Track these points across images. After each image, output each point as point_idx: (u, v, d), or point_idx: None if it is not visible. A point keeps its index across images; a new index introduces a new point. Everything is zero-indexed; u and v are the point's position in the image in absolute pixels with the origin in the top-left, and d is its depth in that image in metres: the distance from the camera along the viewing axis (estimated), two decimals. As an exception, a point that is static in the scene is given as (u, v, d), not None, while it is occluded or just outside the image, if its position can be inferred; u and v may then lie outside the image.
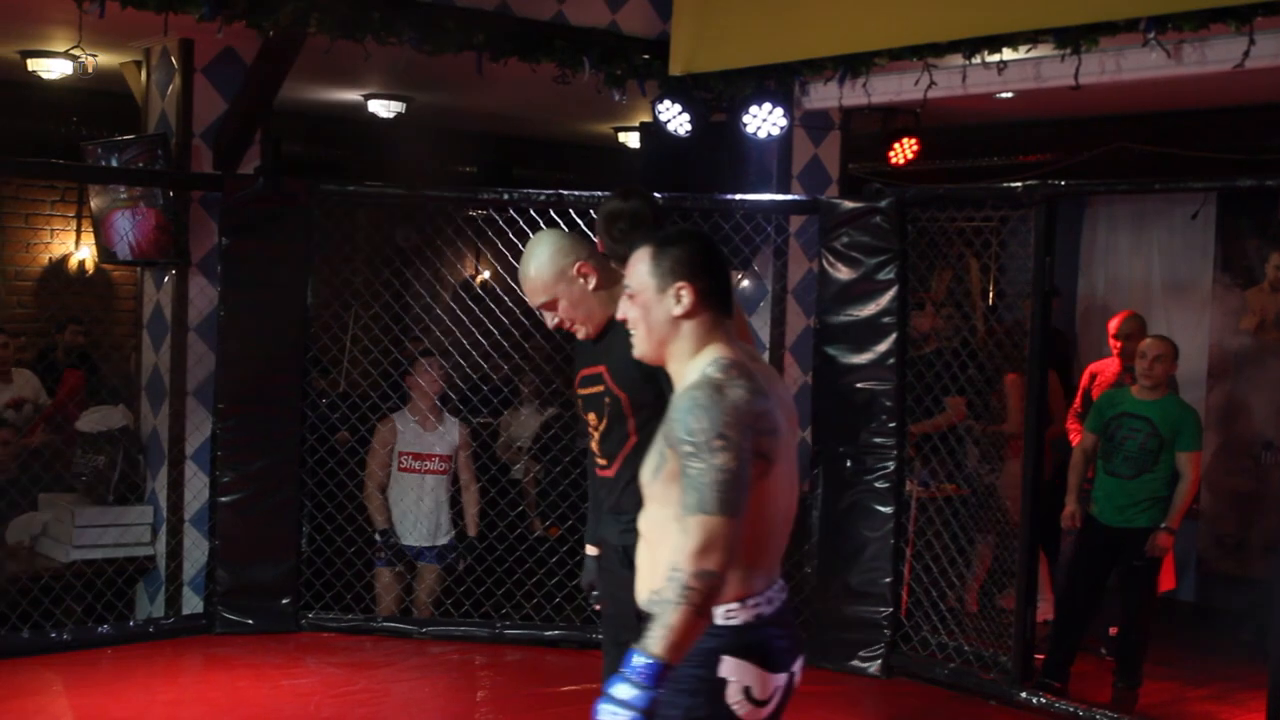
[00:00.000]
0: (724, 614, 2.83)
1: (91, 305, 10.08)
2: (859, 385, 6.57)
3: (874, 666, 6.47)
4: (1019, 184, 6.29)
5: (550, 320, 3.87)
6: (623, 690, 2.66)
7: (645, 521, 3.01)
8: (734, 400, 2.76)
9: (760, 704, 2.86)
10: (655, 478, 2.88)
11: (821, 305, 6.76)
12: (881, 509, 6.50)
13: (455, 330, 7.11)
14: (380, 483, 7.07)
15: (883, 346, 6.51)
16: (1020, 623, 6.16)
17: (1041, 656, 6.34)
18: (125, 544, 6.87)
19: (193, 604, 6.86)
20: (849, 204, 6.70)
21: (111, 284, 10.42)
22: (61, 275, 10.31)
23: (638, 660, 2.67)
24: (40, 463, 7.09)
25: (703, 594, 2.68)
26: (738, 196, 7.00)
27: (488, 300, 7.14)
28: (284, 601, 6.82)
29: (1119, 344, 7.03)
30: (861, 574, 6.52)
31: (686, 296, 2.91)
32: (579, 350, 3.97)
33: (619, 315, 3.08)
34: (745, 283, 8.16)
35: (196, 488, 6.87)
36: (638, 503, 3.64)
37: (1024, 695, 6.06)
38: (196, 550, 6.86)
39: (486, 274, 11.02)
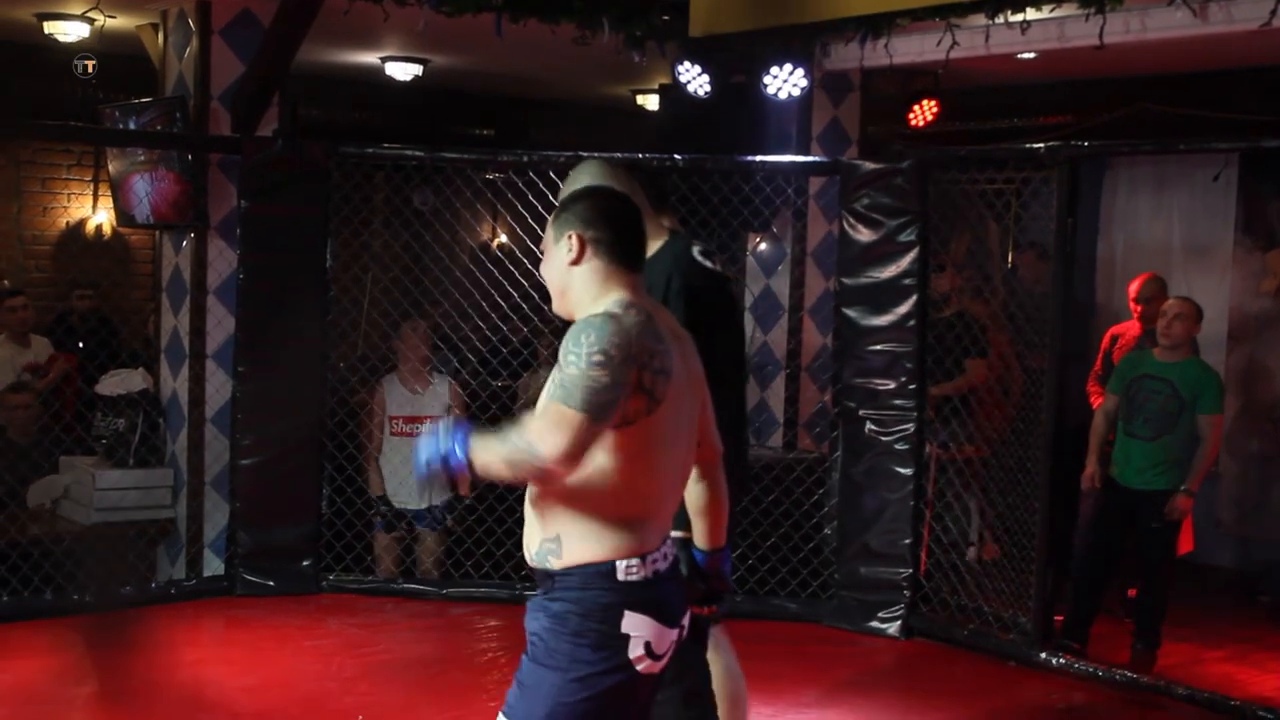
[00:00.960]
0: (624, 570, 2.87)
1: (110, 269, 10.09)
2: (879, 347, 6.55)
3: (893, 627, 6.47)
4: (1041, 145, 6.24)
5: None
6: (442, 444, 2.83)
7: None
8: (625, 327, 2.84)
9: (658, 658, 2.92)
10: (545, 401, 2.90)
11: (842, 267, 6.74)
12: (901, 470, 6.49)
13: (475, 293, 7.10)
14: (376, 448, 7.08)
15: (903, 308, 6.49)
16: (1040, 584, 6.16)
17: (1060, 618, 6.34)
18: (146, 506, 6.89)
19: (214, 566, 6.88)
20: (870, 165, 6.67)
21: (129, 248, 10.42)
22: (79, 239, 10.30)
23: (460, 443, 2.82)
24: (61, 425, 7.10)
25: (524, 465, 2.80)
26: (757, 158, 6.96)
27: (506, 263, 7.13)
28: (305, 563, 6.84)
29: (1139, 307, 6.99)
30: (881, 535, 6.52)
31: (575, 244, 2.99)
32: None
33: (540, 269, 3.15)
34: (763, 245, 8.14)
35: (217, 450, 6.88)
36: None
37: (1043, 656, 6.06)
38: (217, 512, 6.87)
39: (504, 237, 10.98)
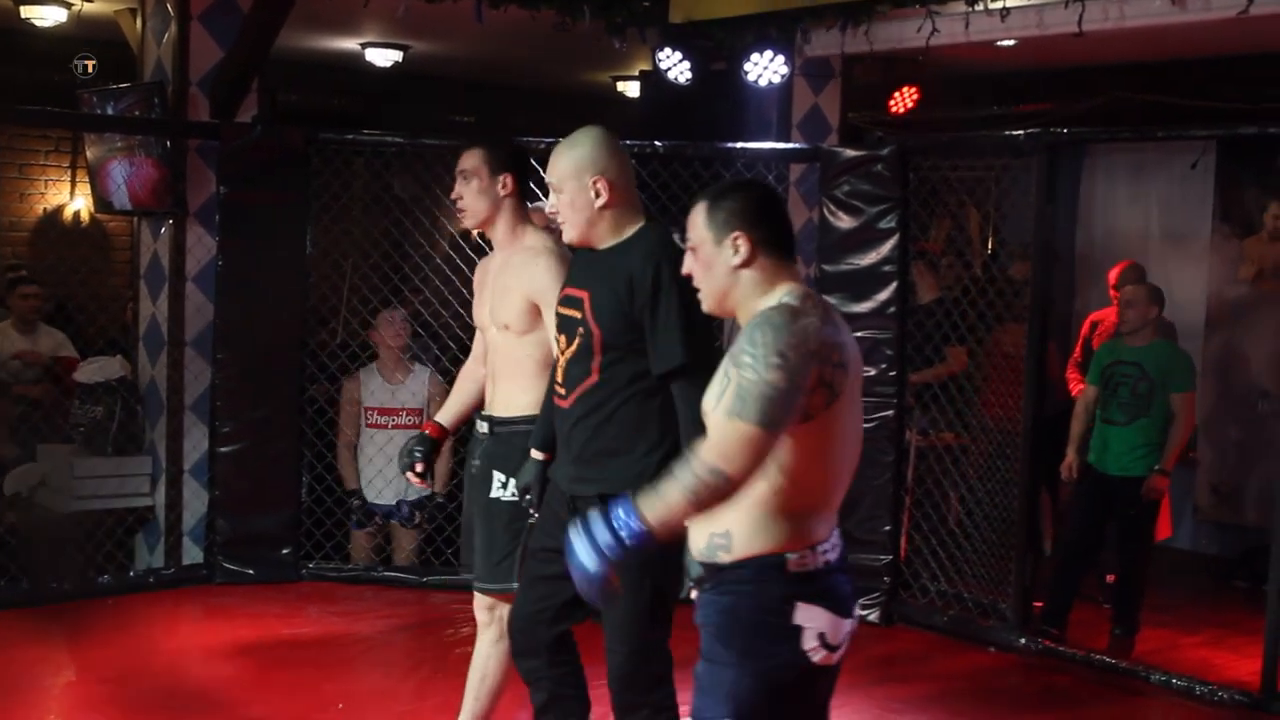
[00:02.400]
0: (795, 561, 2.80)
1: (87, 256, 10.00)
2: (859, 334, 6.48)
3: (874, 614, 6.48)
4: (1020, 132, 6.23)
5: (548, 204, 3.85)
6: (602, 533, 2.70)
7: None
8: (804, 324, 2.74)
9: (833, 649, 2.84)
10: (717, 405, 2.79)
11: (822, 254, 6.72)
12: (881, 457, 6.48)
13: (455, 280, 7.06)
14: (350, 441, 7.05)
15: (883, 295, 6.48)
16: (1019, 570, 6.16)
17: (1040, 604, 6.35)
18: (124, 494, 6.83)
19: (193, 554, 6.83)
20: (850, 152, 6.66)
21: (106, 234, 10.34)
22: (56, 226, 10.22)
23: (625, 513, 2.69)
24: (39, 414, 7.05)
25: (710, 490, 2.69)
26: (738, 145, 6.94)
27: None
28: (284, 551, 6.81)
29: (1118, 294, 6.99)
30: (860, 522, 6.51)
31: (743, 246, 2.87)
32: (574, 263, 3.87)
33: (683, 270, 2.99)
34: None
35: (195, 438, 6.83)
36: (586, 442, 3.65)
37: (1023, 641, 6.07)
38: (196, 500, 6.83)
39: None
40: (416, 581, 6.83)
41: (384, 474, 6.97)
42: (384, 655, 5.86)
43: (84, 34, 7.78)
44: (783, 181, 7.59)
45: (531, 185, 4.66)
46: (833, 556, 2.87)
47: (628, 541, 2.69)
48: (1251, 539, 7.81)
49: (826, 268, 6.66)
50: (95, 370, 6.99)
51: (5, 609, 6.08)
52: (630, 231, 3.67)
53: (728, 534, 2.82)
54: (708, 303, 2.97)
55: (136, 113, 6.83)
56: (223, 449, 6.73)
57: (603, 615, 3.68)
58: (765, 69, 6.95)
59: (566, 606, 3.74)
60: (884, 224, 6.49)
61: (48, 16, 7.76)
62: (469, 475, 4.28)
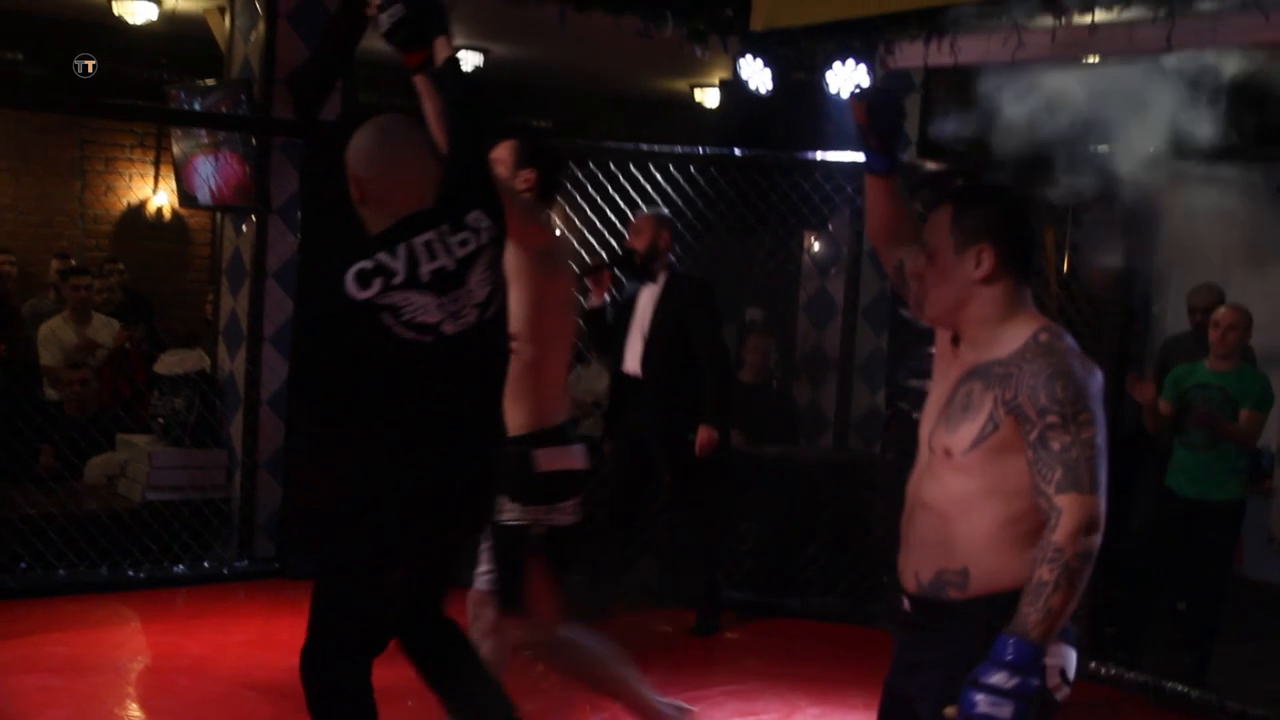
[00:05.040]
0: None
1: (169, 250, 10.14)
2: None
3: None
4: (1105, 147, 6.14)
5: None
6: (1001, 679, 2.48)
7: (941, 491, 2.73)
8: (1095, 372, 2.61)
9: (1070, 683, 2.69)
10: (975, 447, 2.64)
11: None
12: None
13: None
14: None
15: (960, 311, 6.40)
16: (1090, 594, 6.07)
17: (1112, 629, 6.25)
18: (200, 486, 6.90)
19: (264, 548, 6.89)
20: (930, 165, 6.59)
21: (187, 229, 10.47)
22: (140, 220, 10.36)
23: (1009, 646, 2.50)
24: (120, 404, 7.13)
25: (1083, 575, 2.53)
26: (817, 155, 6.89)
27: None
28: (355, 547, 6.83)
29: (1196, 316, 6.88)
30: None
31: (987, 259, 2.69)
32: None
33: (911, 270, 2.82)
34: (816, 245, 8.07)
35: (272, 433, 6.88)
36: None
37: (1093, 665, 5.98)
38: (270, 494, 6.88)
39: (560, 228, 10.98)
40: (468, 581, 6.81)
41: None
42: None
43: (173, 30, 7.88)
44: (859, 193, 7.53)
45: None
46: None
47: (1030, 670, 2.49)
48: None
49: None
50: (175, 363, 7.07)
51: (84, 593, 6.16)
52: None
53: (964, 571, 2.65)
54: (933, 311, 2.79)
55: (223, 109, 6.90)
56: (298, 444, 6.77)
57: None
58: (847, 79, 6.90)
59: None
60: (963, 239, 6.41)
61: (138, 13, 7.87)
62: None
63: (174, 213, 10.22)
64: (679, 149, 6.89)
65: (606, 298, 6.11)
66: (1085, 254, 7.96)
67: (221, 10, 7.28)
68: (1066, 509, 2.53)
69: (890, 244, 3.07)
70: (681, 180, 6.85)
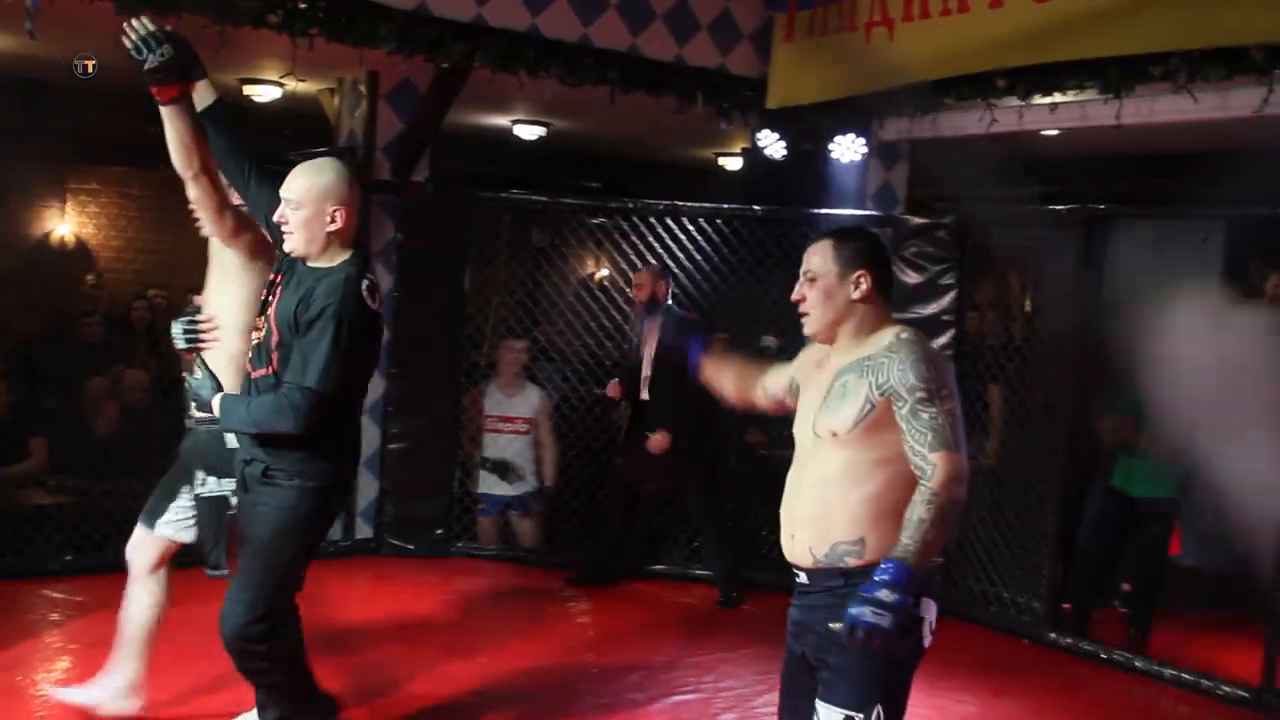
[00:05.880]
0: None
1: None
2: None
3: (925, 607, 6.38)
4: (1063, 207, 6.17)
5: (279, 212, 3.49)
6: (883, 594, 2.49)
7: (826, 467, 2.77)
8: (946, 358, 2.75)
9: (933, 632, 2.76)
10: (857, 425, 2.70)
11: (891, 305, 6.66)
12: (935, 476, 6.40)
13: (584, 315, 7.14)
14: (472, 437, 7.12)
15: (942, 339, 6.43)
16: (1050, 576, 6.07)
17: (1067, 606, 6.22)
18: (312, 480, 6.97)
19: (364, 531, 6.95)
20: (918, 220, 6.62)
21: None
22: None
23: (888, 568, 2.52)
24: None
25: (953, 518, 2.61)
26: (823, 211, 6.94)
27: (611, 291, 7.16)
28: (438, 532, 6.90)
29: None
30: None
31: (865, 283, 2.80)
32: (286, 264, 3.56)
33: (794, 296, 2.87)
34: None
35: (370, 437, 6.93)
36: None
37: (1052, 636, 5.97)
38: (368, 487, 6.94)
39: (605, 272, 11.04)
40: (549, 562, 6.86)
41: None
42: (521, 617, 5.92)
43: (292, 107, 7.97)
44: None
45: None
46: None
47: (904, 588, 2.50)
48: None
49: (895, 316, 6.59)
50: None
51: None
52: (339, 259, 3.49)
53: (860, 540, 2.69)
54: (813, 327, 2.85)
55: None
56: (391, 446, 6.85)
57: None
58: (847, 149, 6.94)
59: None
60: (944, 280, 6.45)
61: (264, 94, 7.97)
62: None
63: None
64: (707, 205, 6.95)
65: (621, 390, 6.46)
66: (1045, 292, 7.96)
67: (332, 91, 7.39)
68: (939, 463, 2.61)
69: (747, 396, 3.28)
70: (710, 232, 6.90)
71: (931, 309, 6.45)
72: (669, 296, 6.45)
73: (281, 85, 7.68)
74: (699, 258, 6.84)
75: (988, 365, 6.62)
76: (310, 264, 3.49)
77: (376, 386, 6.92)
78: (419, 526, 6.86)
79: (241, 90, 7.95)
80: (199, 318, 3.86)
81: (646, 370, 6.34)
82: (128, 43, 3.52)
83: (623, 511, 6.51)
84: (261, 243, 3.85)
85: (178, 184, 3.90)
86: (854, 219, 7.21)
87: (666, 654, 5.44)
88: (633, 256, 6.85)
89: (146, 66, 3.52)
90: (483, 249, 7.20)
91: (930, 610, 2.72)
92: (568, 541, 6.97)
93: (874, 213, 7.46)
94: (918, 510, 2.59)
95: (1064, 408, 6.08)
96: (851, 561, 2.71)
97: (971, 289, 6.69)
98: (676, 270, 6.82)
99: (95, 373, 7.08)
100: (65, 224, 10.62)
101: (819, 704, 2.72)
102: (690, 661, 5.34)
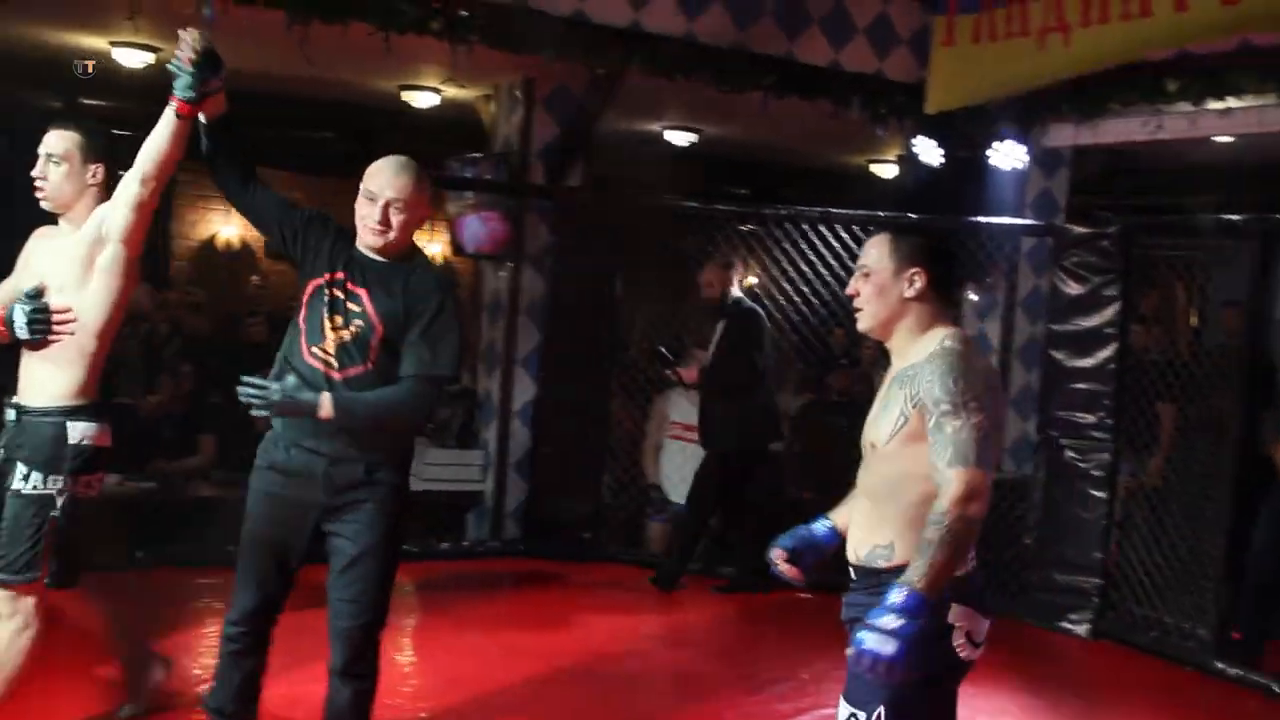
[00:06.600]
0: None
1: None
2: (1081, 386, 6.29)
3: (1082, 629, 6.19)
4: (1239, 217, 5.90)
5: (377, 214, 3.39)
6: (888, 621, 2.48)
7: (871, 478, 2.77)
8: (981, 368, 2.67)
9: (978, 645, 2.70)
10: (893, 438, 2.68)
11: (1052, 315, 6.50)
12: (1095, 493, 6.21)
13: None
14: (655, 445, 7.14)
15: (1105, 353, 6.22)
16: (1217, 599, 5.80)
17: (1237, 635, 5.95)
18: (461, 480, 7.11)
19: (511, 532, 7.05)
20: (1081, 229, 6.42)
21: (454, 272, 10.77)
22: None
23: (898, 594, 2.50)
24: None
25: (966, 538, 2.55)
26: (981, 219, 6.79)
27: (762, 299, 7.12)
28: (586, 535, 6.95)
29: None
30: (1075, 547, 6.25)
31: (919, 281, 2.75)
32: (351, 258, 3.46)
33: (848, 290, 2.84)
34: (974, 296, 7.91)
35: (520, 439, 7.05)
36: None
37: (1219, 665, 5.70)
38: (517, 489, 7.05)
39: (754, 279, 10.99)
40: (694, 569, 6.82)
41: (686, 478, 7.01)
42: (665, 622, 5.94)
43: (450, 113, 8.13)
44: (1015, 253, 7.38)
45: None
46: (974, 561, 2.72)
47: (913, 615, 2.47)
48: None
49: (1055, 327, 6.43)
50: (446, 380, 7.28)
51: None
52: (412, 254, 3.47)
53: (891, 545, 2.69)
54: (866, 323, 2.80)
55: (487, 176, 7.11)
56: (541, 449, 6.93)
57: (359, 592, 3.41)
58: (1006, 155, 6.78)
59: (280, 598, 3.50)
60: (1107, 291, 6.23)
61: (422, 100, 8.15)
62: None
63: (445, 260, 10.55)
64: (862, 213, 6.86)
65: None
66: (1215, 304, 7.65)
67: (488, 98, 7.53)
68: (953, 480, 2.54)
69: None
70: (864, 240, 6.79)
71: (1094, 321, 6.24)
72: (736, 290, 6.48)
73: (439, 91, 7.85)
74: (852, 266, 6.74)
75: (1152, 382, 6.38)
76: (384, 260, 3.42)
77: (527, 389, 7.02)
78: (567, 529, 6.92)
79: (400, 96, 8.15)
80: (53, 306, 3.53)
81: (707, 362, 6.42)
82: (185, 57, 3.33)
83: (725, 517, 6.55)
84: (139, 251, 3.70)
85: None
86: (1015, 228, 7.06)
87: (812, 668, 5.37)
88: (784, 264, 6.81)
89: (196, 90, 3.37)
90: (636, 255, 7.23)
91: (967, 618, 2.65)
92: (708, 551, 6.93)
93: (1034, 222, 7.28)
94: (926, 532, 2.55)
95: (1232, 426, 5.80)
96: (883, 563, 2.72)
97: (1136, 301, 6.46)
98: (830, 279, 6.74)
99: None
100: (231, 226, 11.05)
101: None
102: (838, 675, 5.26)
